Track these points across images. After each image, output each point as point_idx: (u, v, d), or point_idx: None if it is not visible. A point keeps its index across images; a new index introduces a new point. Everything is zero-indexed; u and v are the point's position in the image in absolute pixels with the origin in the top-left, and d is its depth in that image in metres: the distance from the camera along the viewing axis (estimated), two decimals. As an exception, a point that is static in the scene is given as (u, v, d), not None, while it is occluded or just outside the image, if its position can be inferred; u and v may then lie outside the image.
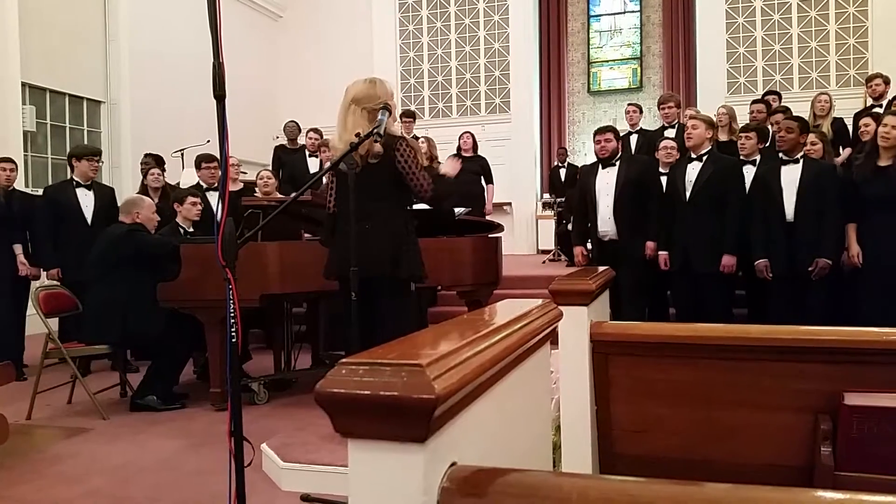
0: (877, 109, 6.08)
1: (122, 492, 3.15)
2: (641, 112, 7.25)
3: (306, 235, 5.31)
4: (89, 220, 5.58)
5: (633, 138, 6.75)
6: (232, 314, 2.10)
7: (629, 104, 7.22)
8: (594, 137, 5.10)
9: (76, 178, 5.65)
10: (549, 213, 10.32)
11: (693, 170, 4.75)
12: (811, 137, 4.77)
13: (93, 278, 4.63)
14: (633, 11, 12.34)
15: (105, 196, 5.80)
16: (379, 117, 2.96)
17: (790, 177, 4.51)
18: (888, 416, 1.75)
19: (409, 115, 7.80)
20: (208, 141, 6.12)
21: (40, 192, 6.57)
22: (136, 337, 4.59)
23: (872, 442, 1.76)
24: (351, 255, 2.86)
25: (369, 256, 3.08)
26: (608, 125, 5.28)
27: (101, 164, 5.85)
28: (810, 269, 4.37)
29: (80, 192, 5.63)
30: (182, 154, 7.54)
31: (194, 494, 3.10)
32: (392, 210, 3.24)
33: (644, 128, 7.11)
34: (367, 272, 3.04)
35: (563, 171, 10.21)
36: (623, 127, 6.80)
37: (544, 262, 9.10)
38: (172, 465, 3.50)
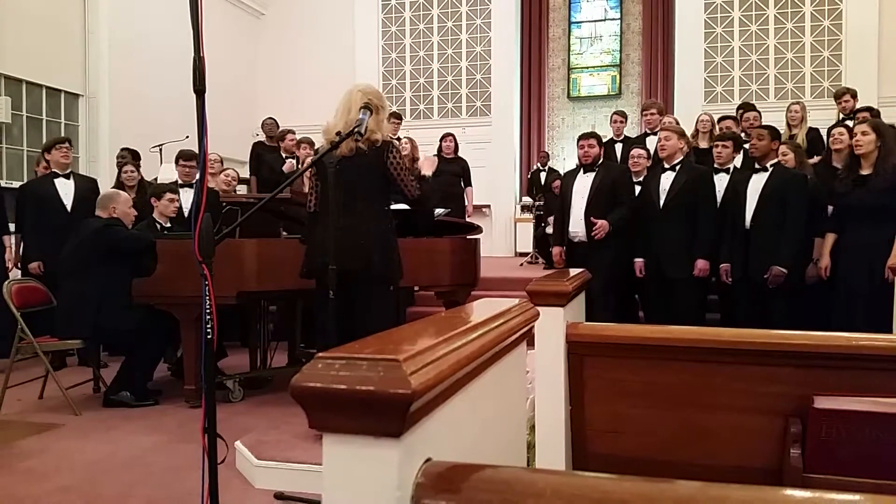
0: (849, 122, 6.18)
1: (92, 489, 3.12)
2: (626, 120, 7.26)
3: (284, 233, 5.28)
4: (69, 208, 5.60)
5: (619, 147, 6.77)
6: (208, 311, 2.09)
7: (614, 112, 7.19)
8: (578, 142, 5.17)
9: (54, 170, 5.69)
10: (528, 216, 10.35)
11: (667, 179, 4.84)
12: (783, 148, 4.83)
13: (67, 272, 4.58)
14: (613, 19, 12.43)
15: (86, 185, 5.82)
16: (360, 116, 2.97)
17: (756, 185, 4.59)
18: (856, 420, 1.78)
19: (396, 117, 7.83)
20: (187, 136, 6.07)
21: (15, 185, 6.50)
22: (109, 332, 4.54)
23: (840, 445, 1.79)
24: (329, 252, 2.87)
25: (353, 253, 3.10)
26: (591, 132, 5.33)
27: (71, 148, 5.83)
28: (765, 276, 4.44)
29: (59, 181, 5.65)
30: (160, 149, 7.47)
31: (167, 491, 3.08)
32: (377, 209, 3.29)
33: (628, 136, 7.14)
34: (350, 268, 3.05)
35: (543, 175, 10.26)
36: (605, 132, 6.82)
37: (522, 264, 9.13)
38: (145, 461, 3.47)
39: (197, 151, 5.95)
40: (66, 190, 5.62)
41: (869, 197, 4.25)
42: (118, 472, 3.33)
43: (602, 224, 4.84)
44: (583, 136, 5.14)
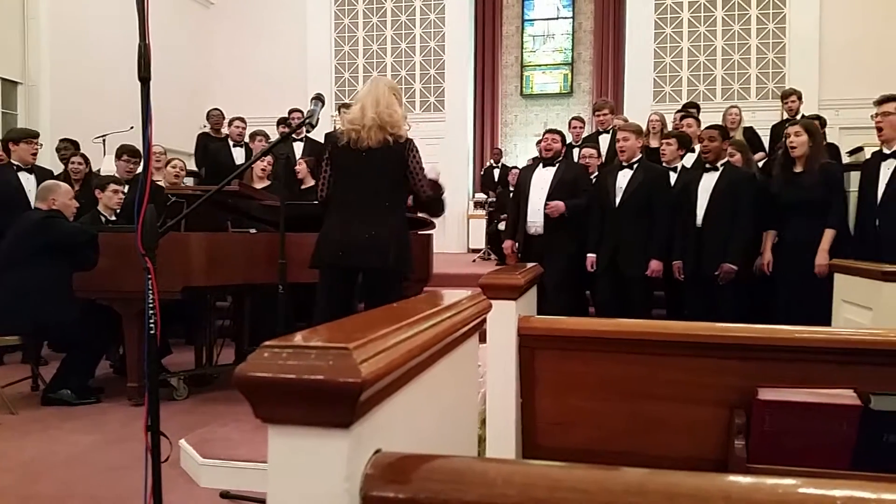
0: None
1: (29, 489, 3.01)
2: (584, 125, 7.36)
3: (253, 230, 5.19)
4: (34, 204, 5.37)
5: (576, 152, 6.84)
6: (151, 306, 2.03)
7: (573, 118, 7.28)
8: (543, 135, 5.30)
9: (15, 163, 5.47)
10: (481, 212, 10.40)
11: (624, 177, 4.91)
12: (730, 148, 4.96)
13: (5, 266, 4.41)
14: (565, 17, 12.57)
15: (46, 179, 5.57)
16: (311, 107, 2.93)
17: (707, 184, 4.70)
18: (798, 411, 1.83)
19: (347, 108, 7.74)
20: (132, 127, 5.92)
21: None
22: (49, 327, 4.40)
23: (783, 435, 1.83)
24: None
25: (373, 247, 3.12)
26: (557, 129, 5.45)
27: (40, 146, 5.64)
28: (716, 273, 4.54)
29: (22, 176, 5.45)
30: (104, 140, 7.27)
31: (108, 491, 2.99)
32: (398, 204, 3.34)
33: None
34: (368, 263, 3.08)
35: (496, 172, 10.31)
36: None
37: (474, 260, 9.16)
38: (85, 460, 3.37)
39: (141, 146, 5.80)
40: (29, 185, 5.42)
41: (799, 193, 4.42)
42: (58, 471, 3.23)
43: (557, 204, 4.89)
44: (549, 131, 5.31)
